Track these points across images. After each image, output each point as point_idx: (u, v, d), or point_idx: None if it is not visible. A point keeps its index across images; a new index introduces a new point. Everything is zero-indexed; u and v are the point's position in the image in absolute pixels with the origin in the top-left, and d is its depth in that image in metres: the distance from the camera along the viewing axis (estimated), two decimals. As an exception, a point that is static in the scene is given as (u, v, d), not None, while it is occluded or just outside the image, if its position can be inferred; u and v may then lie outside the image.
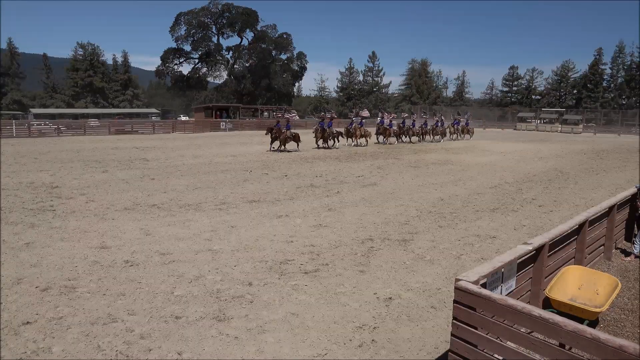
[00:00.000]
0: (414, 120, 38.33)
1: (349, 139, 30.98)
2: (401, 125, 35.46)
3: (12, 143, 29.87)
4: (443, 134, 37.95)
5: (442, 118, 41.11)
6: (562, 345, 3.37)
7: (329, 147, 28.89)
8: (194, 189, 14.08)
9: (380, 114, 37.39)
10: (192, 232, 9.24)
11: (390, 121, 35.49)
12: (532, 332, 3.42)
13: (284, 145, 26.29)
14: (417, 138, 36.31)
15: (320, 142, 28.79)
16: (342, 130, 31.16)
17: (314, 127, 30.34)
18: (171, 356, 4.69)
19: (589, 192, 14.72)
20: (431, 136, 37.18)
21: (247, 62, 76.20)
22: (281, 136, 25.92)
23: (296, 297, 6.20)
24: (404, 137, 35.30)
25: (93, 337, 5.01)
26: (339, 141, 29.74)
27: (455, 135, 39.42)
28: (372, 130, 34.89)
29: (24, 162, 19.69)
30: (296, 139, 26.68)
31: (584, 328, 3.05)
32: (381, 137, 33.64)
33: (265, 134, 26.72)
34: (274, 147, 26.41)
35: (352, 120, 33.34)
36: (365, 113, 35.05)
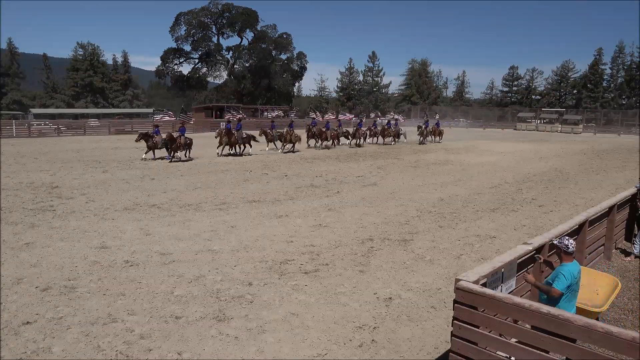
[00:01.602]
0: (361, 121, 35.09)
1: (270, 143, 26.52)
2: (338, 126, 31.14)
3: (12, 143, 29.84)
4: (396, 136, 33.56)
5: (397, 118, 37.79)
6: (572, 340, 3.39)
7: (238, 154, 23.63)
8: (194, 189, 14.09)
9: (313, 114, 33.82)
10: (192, 232, 9.24)
11: (328, 122, 31.55)
12: (539, 328, 3.44)
13: (175, 153, 21.36)
14: (356, 141, 31.02)
15: (226, 149, 23.32)
16: (254, 133, 25.48)
17: (217, 130, 24.53)
18: (171, 356, 4.70)
19: (589, 192, 14.72)
20: (383, 138, 33.15)
21: (247, 62, 76.16)
22: (173, 144, 21.07)
23: (296, 297, 6.20)
24: (345, 139, 30.65)
25: (93, 337, 5.02)
26: (250, 146, 24.45)
27: (422, 138, 33.81)
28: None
29: (24, 162, 19.69)
30: (189, 146, 21.88)
31: (595, 323, 3.08)
32: (312, 141, 28.66)
33: (137, 141, 21.63)
34: (144, 158, 21.16)
35: (291, 122, 28.90)
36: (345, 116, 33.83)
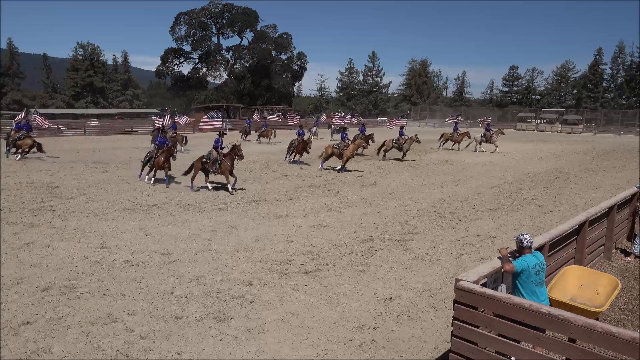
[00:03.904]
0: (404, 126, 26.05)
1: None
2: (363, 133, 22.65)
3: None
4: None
5: (488, 122, 30.88)
6: (572, 340, 3.40)
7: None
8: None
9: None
10: (192, 232, 9.24)
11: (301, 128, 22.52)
12: (540, 328, 3.44)
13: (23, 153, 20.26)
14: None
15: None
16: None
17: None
18: (171, 356, 4.69)
19: (589, 192, 14.72)
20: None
21: (247, 62, 76.19)
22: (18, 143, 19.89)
23: (296, 297, 6.20)
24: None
25: (93, 337, 5.01)
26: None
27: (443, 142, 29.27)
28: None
29: (23, 162, 19.68)
30: (35, 147, 20.58)
31: (594, 323, 3.09)
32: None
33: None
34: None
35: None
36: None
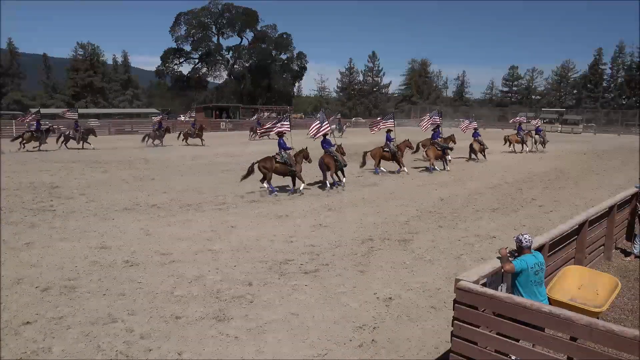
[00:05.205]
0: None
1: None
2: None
3: (12, 143, 29.74)
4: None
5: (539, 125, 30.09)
6: (573, 339, 3.40)
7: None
8: (194, 189, 14.07)
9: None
10: (192, 232, 9.24)
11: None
12: (539, 327, 3.44)
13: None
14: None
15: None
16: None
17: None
18: (171, 356, 4.69)
19: (589, 192, 14.71)
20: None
21: (247, 62, 76.27)
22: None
23: (296, 297, 6.20)
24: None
25: (93, 337, 5.01)
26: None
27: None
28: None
29: (24, 162, 19.69)
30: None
31: (596, 321, 3.10)
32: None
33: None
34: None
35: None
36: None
